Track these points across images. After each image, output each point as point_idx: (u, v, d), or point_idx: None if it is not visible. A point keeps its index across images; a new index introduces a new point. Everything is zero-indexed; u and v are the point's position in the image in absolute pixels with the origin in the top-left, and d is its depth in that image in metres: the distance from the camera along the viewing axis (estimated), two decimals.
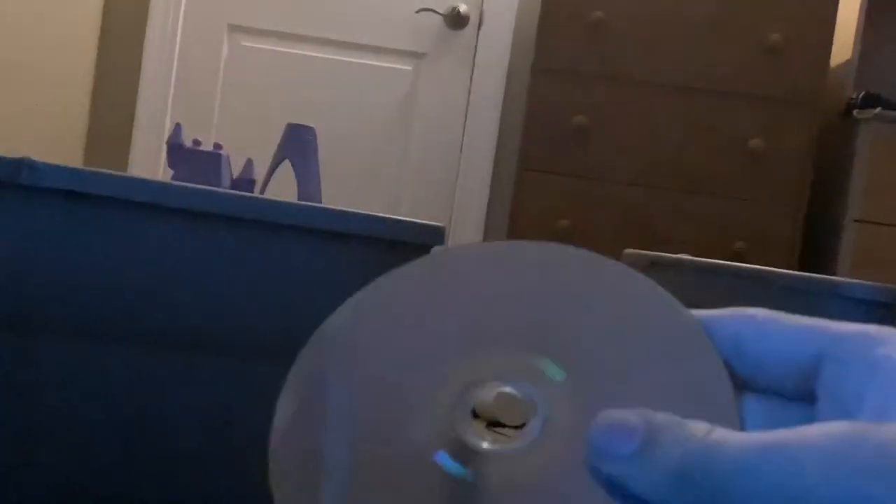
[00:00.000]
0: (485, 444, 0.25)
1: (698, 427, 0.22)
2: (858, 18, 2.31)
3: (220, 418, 0.76)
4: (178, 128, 1.35)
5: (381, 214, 0.77)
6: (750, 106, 2.19)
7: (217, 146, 1.37)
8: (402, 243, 0.81)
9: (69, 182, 0.68)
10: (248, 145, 2.75)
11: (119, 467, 0.74)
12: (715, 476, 0.20)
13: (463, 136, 2.71)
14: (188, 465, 0.76)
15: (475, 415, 0.26)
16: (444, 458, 0.24)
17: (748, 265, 1.11)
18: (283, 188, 2.35)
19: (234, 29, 2.74)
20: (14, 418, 0.72)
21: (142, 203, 0.70)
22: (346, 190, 2.73)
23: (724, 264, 1.12)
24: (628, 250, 1.36)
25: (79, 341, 0.72)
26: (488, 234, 2.69)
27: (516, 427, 0.25)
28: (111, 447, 0.74)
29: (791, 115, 2.19)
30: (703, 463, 0.21)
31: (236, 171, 2.80)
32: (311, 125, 1.42)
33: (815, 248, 2.35)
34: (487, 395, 0.26)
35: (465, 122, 2.71)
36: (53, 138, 2.54)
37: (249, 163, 1.37)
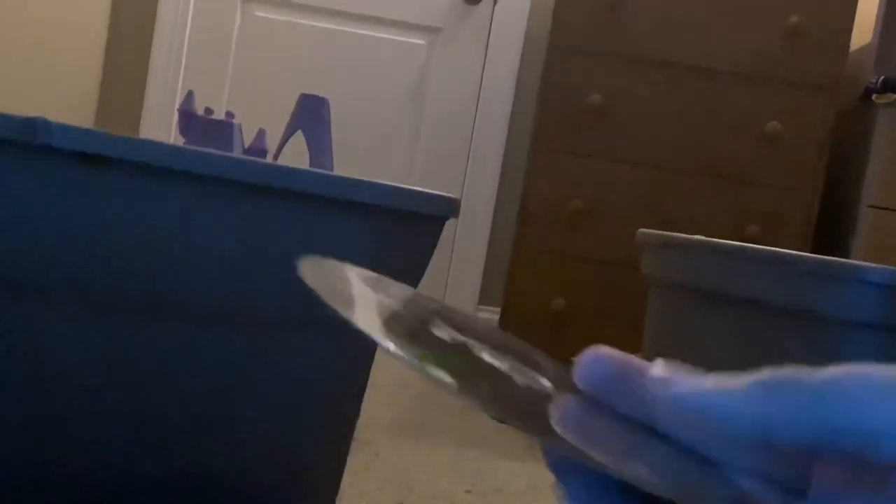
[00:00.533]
0: None
1: None
2: (879, 3, 2.28)
3: (233, 386, 0.76)
4: (190, 95, 1.34)
5: (397, 185, 0.76)
6: (768, 89, 2.17)
7: (229, 115, 1.36)
8: (417, 214, 0.80)
9: (84, 143, 0.67)
10: (258, 116, 2.74)
11: (129, 437, 0.74)
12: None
13: (476, 112, 2.69)
14: (204, 436, 0.76)
15: None
16: None
17: (765, 247, 1.09)
18: (294, 159, 2.34)
19: None
20: (18, 380, 0.71)
21: (155, 167, 0.69)
22: (357, 163, 2.71)
23: (739, 245, 1.11)
24: (642, 230, 1.34)
25: (85, 304, 0.71)
26: (498, 212, 2.68)
27: None
28: (119, 413, 0.73)
29: (809, 99, 2.16)
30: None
31: (248, 140, 2.79)
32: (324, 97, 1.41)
33: (829, 234, 2.34)
34: None
35: (478, 98, 2.69)
36: (64, 104, 2.52)
37: (262, 133, 1.36)
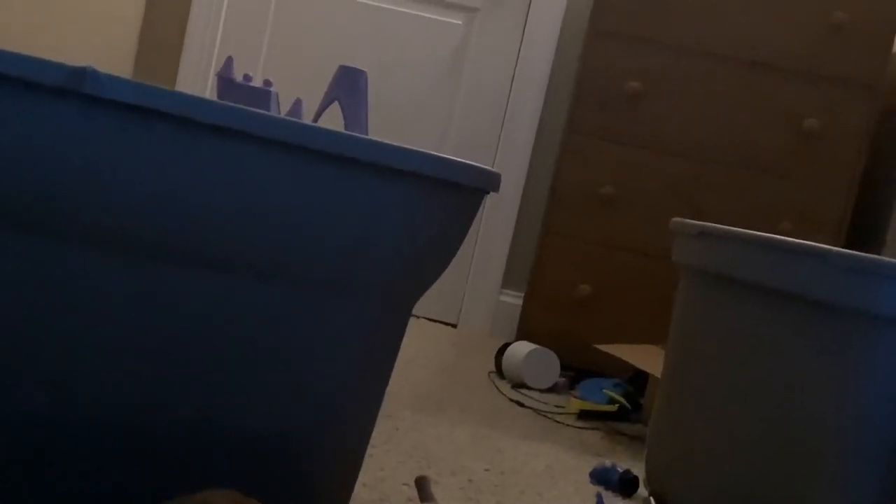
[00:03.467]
0: None
1: None
2: None
3: (263, 344, 0.76)
4: (229, 60, 1.34)
5: (441, 154, 0.76)
6: (808, 84, 2.14)
7: (267, 83, 1.36)
8: (458, 185, 0.80)
9: (132, 95, 0.67)
10: (293, 85, 2.74)
11: (150, 385, 0.74)
12: None
13: (510, 94, 2.68)
14: (229, 388, 0.76)
15: None
16: None
17: (801, 241, 1.08)
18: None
19: None
20: (47, 330, 0.72)
21: (205, 124, 0.69)
22: (390, 139, 2.71)
23: (776, 238, 1.10)
24: (676, 219, 1.33)
25: (123, 254, 0.71)
26: (527, 195, 2.67)
27: None
28: (144, 363, 0.74)
29: (849, 97, 2.13)
30: None
31: (284, 109, 2.79)
32: None
33: (862, 234, 2.31)
34: None
35: (512, 79, 2.68)
36: (100, 67, 2.53)
37: (298, 102, 1.36)
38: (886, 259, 1.00)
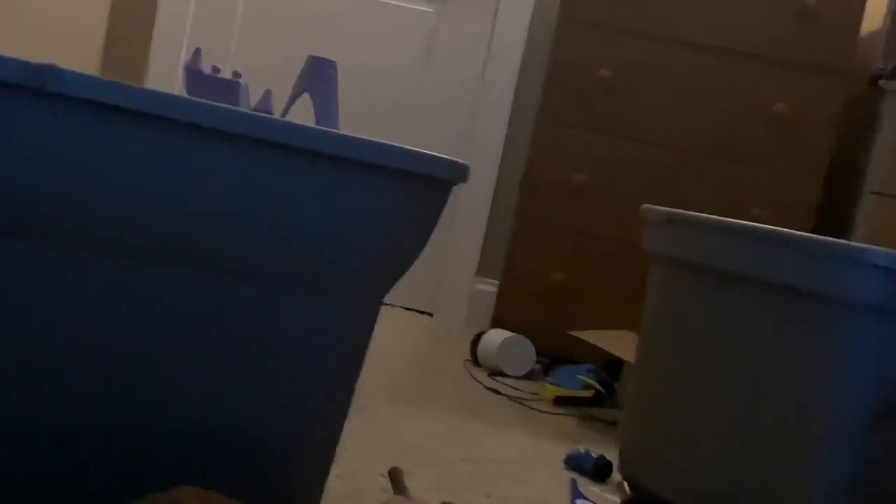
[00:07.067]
0: None
1: None
2: None
3: (232, 342, 0.76)
4: (197, 52, 1.33)
5: (409, 147, 0.76)
6: (777, 70, 2.16)
7: (236, 74, 1.35)
8: (427, 177, 0.80)
9: (95, 92, 0.66)
10: (263, 76, 2.72)
11: (147, 384, 0.74)
12: None
13: (482, 82, 2.68)
14: (203, 388, 0.76)
15: None
16: None
17: (768, 226, 1.09)
18: (300, 121, 2.33)
19: None
20: (19, 331, 0.71)
21: (170, 119, 0.68)
22: (361, 129, 2.70)
23: (743, 224, 1.11)
24: (646, 206, 1.34)
25: (87, 251, 0.71)
26: (500, 183, 2.68)
27: None
28: (117, 364, 0.73)
29: (818, 82, 2.15)
30: None
31: (253, 101, 2.77)
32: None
33: (832, 219, 2.34)
34: None
35: (484, 68, 2.68)
36: (67, 60, 2.51)
37: (268, 93, 1.35)
38: (854, 244, 1.01)
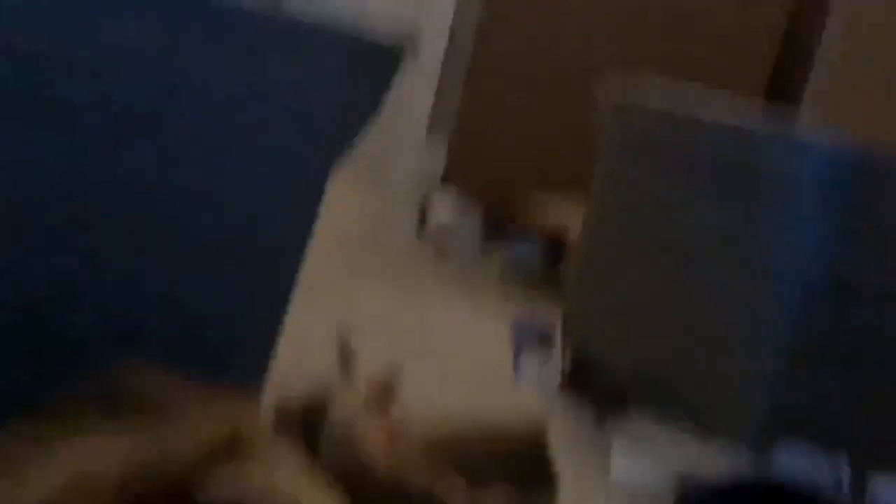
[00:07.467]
0: None
1: None
2: None
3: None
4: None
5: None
6: None
7: None
8: (376, 46, 0.78)
9: None
10: None
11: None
12: None
13: None
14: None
15: None
16: None
17: (717, 113, 1.09)
18: None
19: None
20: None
21: None
22: None
23: (690, 117, 1.10)
24: (600, 83, 1.32)
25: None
26: (453, 41, 2.60)
27: None
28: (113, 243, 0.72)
29: None
30: None
31: None
32: None
33: (782, 93, 2.33)
34: None
35: None
36: None
37: None
38: (796, 124, 1.01)
